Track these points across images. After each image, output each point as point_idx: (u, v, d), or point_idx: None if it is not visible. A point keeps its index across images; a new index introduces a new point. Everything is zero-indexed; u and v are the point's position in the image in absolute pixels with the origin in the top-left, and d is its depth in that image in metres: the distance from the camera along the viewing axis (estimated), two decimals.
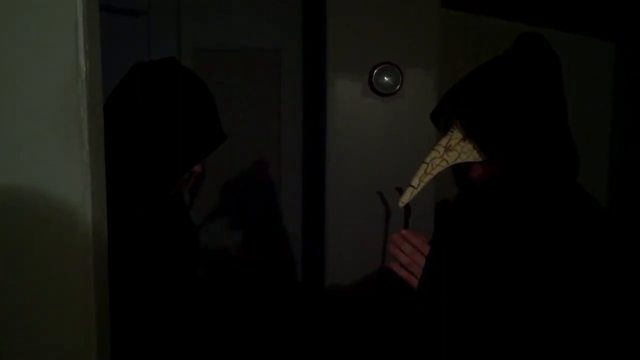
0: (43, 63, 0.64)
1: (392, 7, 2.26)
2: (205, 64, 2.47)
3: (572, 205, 0.95)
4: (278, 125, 2.69)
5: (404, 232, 1.03)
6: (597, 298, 0.88)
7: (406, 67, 2.28)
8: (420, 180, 1.01)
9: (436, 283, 0.97)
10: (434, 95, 2.26)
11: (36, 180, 0.65)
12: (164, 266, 1.12)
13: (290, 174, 2.73)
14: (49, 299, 0.66)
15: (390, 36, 2.27)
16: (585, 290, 0.88)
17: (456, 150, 1.01)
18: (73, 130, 0.65)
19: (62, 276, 0.67)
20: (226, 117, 1.17)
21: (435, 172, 1.01)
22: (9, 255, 0.65)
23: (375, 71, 2.26)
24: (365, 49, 2.26)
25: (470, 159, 1.01)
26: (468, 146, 1.01)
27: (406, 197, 1.02)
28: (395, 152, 2.29)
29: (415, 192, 1.02)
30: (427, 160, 1.02)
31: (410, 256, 1.02)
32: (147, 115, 1.04)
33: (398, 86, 2.27)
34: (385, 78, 2.26)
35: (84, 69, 0.65)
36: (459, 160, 1.01)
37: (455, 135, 1.01)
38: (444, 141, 1.02)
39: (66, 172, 0.66)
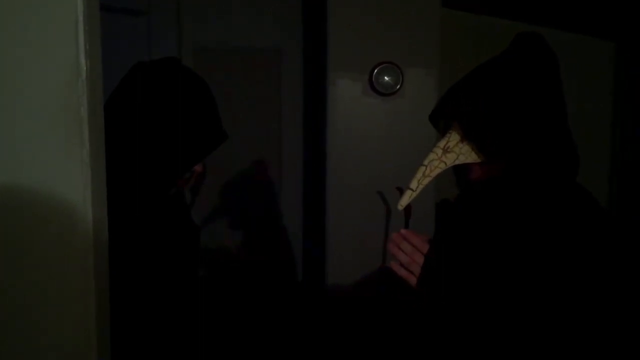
0: (43, 63, 0.64)
1: (392, 6, 2.26)
2: (205, 63, 2.47)
3: (571, 205, 0.95)
4: (278, 125, 2.69)
5: (403, 231, 1.03)
6: (596, 298, 0.88)
7: (406, 66, 2.27)
8: (418, 182, 1.01)
9: (436, 282, 0.97)
10: (434, 95, 2.26)
11: (36, 180, 0.65)
12: (164, 266, 1.12)
13: (291, 174, 2.73)
14: (49, 299, 0.66)
15: (390, 36, 2.27)
16: (584, 289, 0.88)
17: (454, 151, 1.01)
18: (73, 129, 0.65)
19: (62, 276, 0.67)
20: (226, 117, 1.17)
21: (433, 174, 1.01)
22: (9, 255, 0.65)
23: (376, 71, 2.26)
24: (365, 48, 2.26)
25: (469, 160, 1.01)
26: (466, 147, 1.00)
27: (405, 200, 1.02)
28: (395, 151, 2.29)
29: (414, 194, 1.02)
30: (426, 162, 1.01)
31: (409, 255, 1.02)
32: (147, 115, 1.04)
33: (398, 86, 2.27)
34: (386, 77, 2.26)
35: (84, 68, 0.65)
36: (457, 162, 1.01)
37: (454, 137, 1.01)
38: (442, 143, 1.02)
39: (66, 172, 0.66)
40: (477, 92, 0.99)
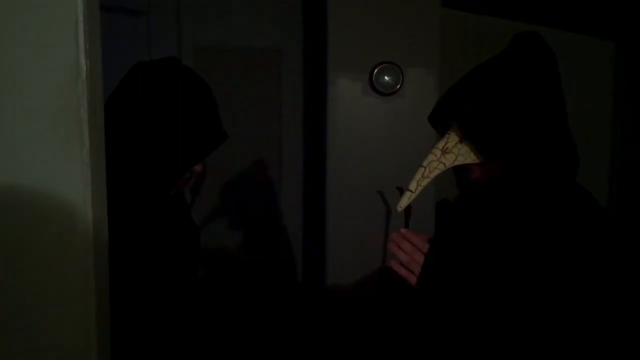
0: (43, 63, 0.64)
1: (392, 6, 2.26)
2: (205, 63, 2.46)
3: (571, 205, 0.95)
4: (278, 124, 2.69)
5: (403, 230, 1.03)
6: (596, 297, 0.88)
7: (407, 66, 2.27)
8: (417, 184, 1.01)
9: (436, 281, 0.97)
10: (434, 95, 2.26)
11: (36, 180, 0.65)
12: (164, 266, 1.12)
13: (291, 173, 2.73)
14: (49, 299, 0.66)
15: (390, 35, 2.27)
16: (584, 289, 0.88)
17: (453, 152, 1.01)
18: (73, 129, 0.65)
19: (62, 276, 0.67)
20: (226, 117, 1.16)
21: (432, 175, 1.01)
22: (9, 255, 0.65)
23: (376, 70, 2.25)
24: (365, 48, 2.26)
25: (468, 161, 1.01)
26: (465, 148, 1.00)
27: (404, 202, 1.02)
28: (395, 151, 2.29)
29: (413, 196, 1.02)
30: (425, 163, 1.01)
31: (409, 254, 1.02)
32: (147, 115, 1.04)
33: (398, 85, 2.27)
34: (386, 77, 2.26)
35: (85, 68, 0.65)
36: (456, 163, 1.01)
37: (452, 138, 1.01)
38: (440, 144, 1.02)
39: (66, 172, 0.66)
40: (475, 93, 0.99)
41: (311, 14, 2.57)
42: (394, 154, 2.29)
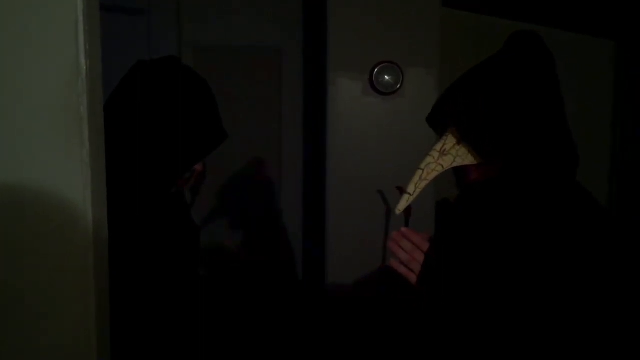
0: (43, 63, 0.64)
1: (392, 6, 2.26)
2: (205, 63, 2.46)
3: (571, 204, 0.95)
4: (278, 124, 2.69)
5: (403, 229, 1.03)
6: (596, 297, 0.88)
7: (407, 66, 2.27)
8: (416, 186, 1.01)
9: (436, 280, 0.97)
10: (434, 94, 2.26)
11: (37, 180, 0.65)
12: (164, 265, 1.12)
13: (291, 173, 2.73)
14: (49, 298, 0.66)
15: (390, 35, 2.27)
16: (584, 289, 0.88)
17: (451, 154, 1.00)
18: (73, 129, 0.65)
19: (62, 275, 0.67)
20: (226, 117, 1.17)
21: (430, 177, 1.01)
22: (9, 254, 0.65)
23: (376, 70, 2.25)
24: (365, 48, 2.26)
25: (466, 162, 1.01)
26: (463, 150, 1.00)
27: (402, 205, 1.02)
28: (395, 151, 2.29)
29: (412, 198, 1.01)
30: (422, 166, 1.01)
31: (409, 253, 1.02)
32: (147, 114, 1.04)
33: (399, 85, 2.27)
34: (386, 77, 2.26)
35: (85, 68, 0.65)
36: (454, 164, 1.01)
37: (450, 140, 1.01)
38: (438, 146, 1.02)
39: (67, 171, 0.66)
40: (472, 94, 0.98)
41: (311, 14, 2.57)
42: (394, 154, 2.29)
